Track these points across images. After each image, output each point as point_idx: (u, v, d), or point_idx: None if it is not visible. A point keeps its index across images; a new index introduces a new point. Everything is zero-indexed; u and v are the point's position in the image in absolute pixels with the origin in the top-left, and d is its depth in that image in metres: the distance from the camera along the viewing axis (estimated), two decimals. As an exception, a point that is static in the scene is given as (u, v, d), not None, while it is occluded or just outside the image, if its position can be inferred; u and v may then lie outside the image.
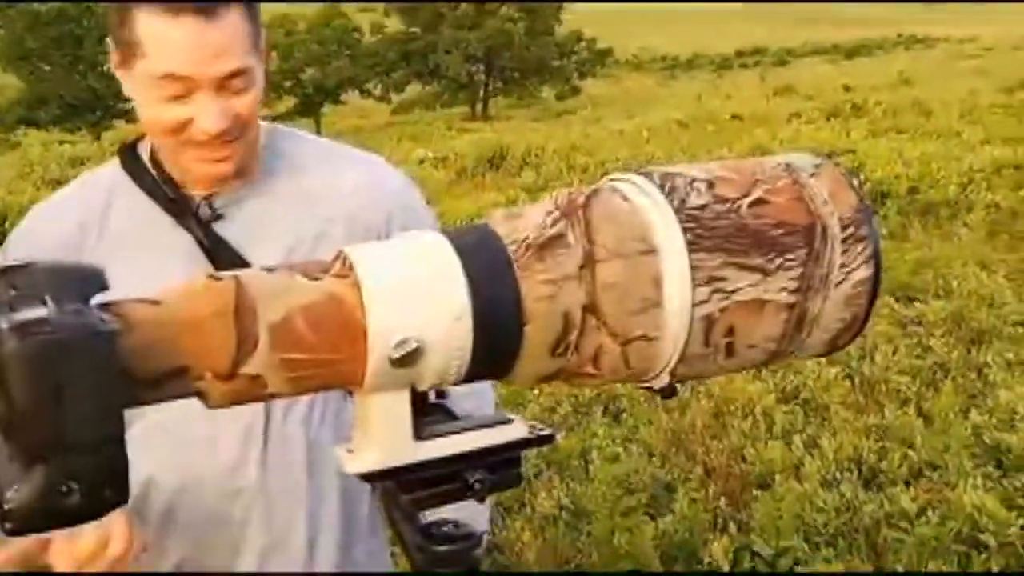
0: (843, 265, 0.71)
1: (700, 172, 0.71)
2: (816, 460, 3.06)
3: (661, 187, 0.69)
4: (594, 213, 0.67)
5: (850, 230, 0.71)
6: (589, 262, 0.65)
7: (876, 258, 0.73)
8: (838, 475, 3.00)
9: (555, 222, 0.66)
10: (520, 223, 0.67)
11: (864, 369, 3.82)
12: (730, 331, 0.68)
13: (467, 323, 0.62)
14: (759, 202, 0.69)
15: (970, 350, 3.96)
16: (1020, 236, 5.64)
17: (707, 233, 0.66)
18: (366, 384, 0.63)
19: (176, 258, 1.14)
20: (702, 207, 0.68)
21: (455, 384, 0.66)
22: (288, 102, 33.72)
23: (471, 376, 0.65)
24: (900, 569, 2.50)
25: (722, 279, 0.66)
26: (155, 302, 0.57)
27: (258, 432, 1.16)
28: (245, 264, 1.09)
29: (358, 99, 33.89)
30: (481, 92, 30.84)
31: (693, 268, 0.65)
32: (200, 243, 1.15)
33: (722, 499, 2.98)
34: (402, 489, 0.68)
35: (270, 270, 0.63)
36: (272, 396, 0.62)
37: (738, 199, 0.69)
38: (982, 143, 8.65)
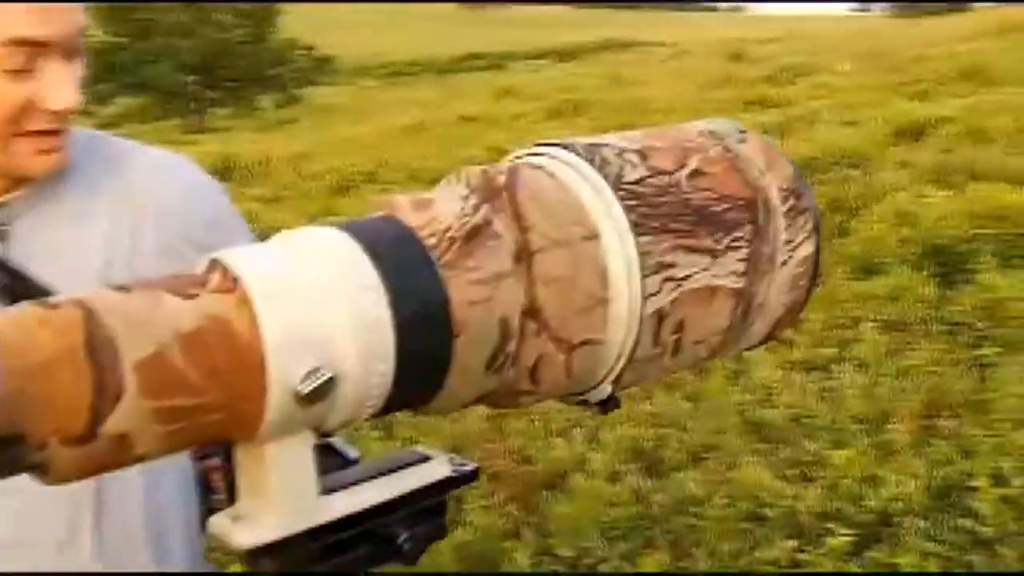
0: (787, 242, 0.63)
1: (625, 142, 0.61)
2: (599, 454, 3.09)
3: (590, 160, 0.58)
4: (521, 194, 0.55)
5: (791, 202, 0.63)
6: (524, 254, 0.53)
7: (817, 231, 0.66)
8: (621, 467, 3.04)
9: (477, 208, 0.53)
10: (434, 211, 0.53)
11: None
12: (679, 326, 0.58)
13: (388, 341, 0.48)
14: (697, 174, 0.60)
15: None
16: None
17: (651, 212, 0.57)
18: (263, 429, 0.48)
19: None
20: (640, 181, 0.58)
21: (369, 419, 0.52)
22: (-24, 119, 30.55)
23: (388, 408, 0.52)
24: (696, 552, 2.56)
25: (672, 265, 0.57)
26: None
27: (88, 496, 0.94)
28: (45, 292, 0.86)
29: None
30: (197, 103, 29.44)
31: (641, 255, 0.55)
32: None
33: (512, 504, 2.94)
34: (309, 560, 0.53)
35: (124, 289, 0.47)
36: (140, 459, 0.45)
37: (676, 171, 0.60)
38: (697, 137, 9.25)
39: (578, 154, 0.59)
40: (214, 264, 0.49)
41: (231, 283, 0.48)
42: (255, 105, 29.80)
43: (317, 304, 0.48)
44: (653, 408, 3.44)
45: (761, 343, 0.68)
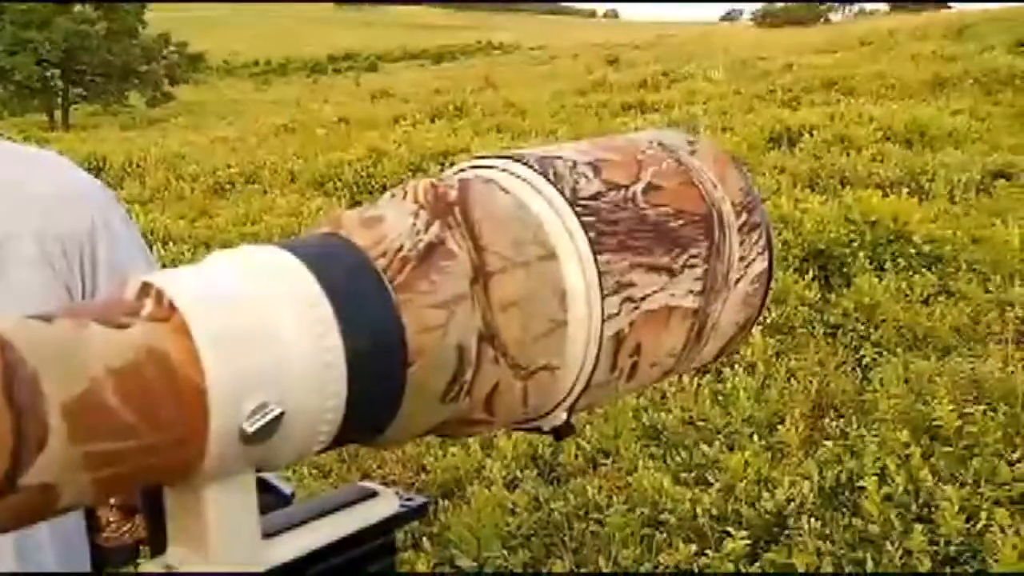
0: (741, 258, 0.60)
1: (577, 153, 0.57)
2: (496, 461, 3.06)
3: (543, 173, 0.54)
4: (475, 209, 0.50)
5: (744, 217, 0.60)
6: (481, 275, 0.49)
7: (770, 248, 0.64)
8: (519, 473, 3.02)
9: (428, 224, 0.49)
10: (386, 229, 0.49)
11: (520, 364, 3.91)
12: (637, 349, 0.55)
13: (339, 372, 0.43)
14: (652, 188, 0.57)
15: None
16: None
17: (609, 229, 0.53)
18: (203, 471, 0.42)
19: None
20: (596, 196, 0.54)
21: (317, 453, 0.47)
22: None
23: (338, 443, 0.47)
24: (599, 559, 2.55)
25: (631, 285, 0.53)
26: None
27: None
28: None
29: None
30: (60, 98, 28.12)
31: (601, 274, 0.52)
32: None
33: (410, 516, 2.87)
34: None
35: (45, 319, 0.41)
36: (65, 510, 0.40)
37: (630, 185, 0.56)
38: (574, 140, 9.34)
39: (531, 167, 0.56)
40: (146, 288, 0.43)
41: (167, 310, 0.42)
42: (124, 102, 28.67)
43: (262, 333, 0.42)
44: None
45: (712, 362, 0.66)
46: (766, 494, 2.70)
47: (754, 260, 0.62)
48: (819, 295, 4.13)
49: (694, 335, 0.60)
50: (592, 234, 0.53)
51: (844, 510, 2.68)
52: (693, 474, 2.88)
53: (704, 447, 2.98)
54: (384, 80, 29.51)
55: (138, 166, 10.09)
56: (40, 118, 26.74)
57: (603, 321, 0.53)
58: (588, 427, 3.23)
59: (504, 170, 0.56)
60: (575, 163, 0.57)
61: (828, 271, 4.39)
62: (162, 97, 28.53)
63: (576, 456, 3.07)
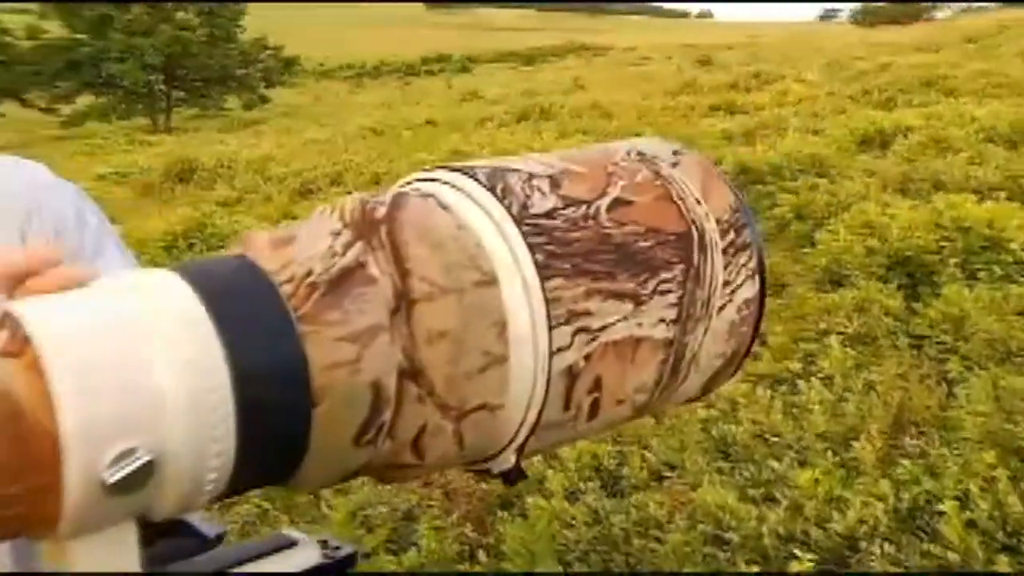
0: (726, 283, 0.53)
1: (536, 165, 0.51)
2: (559, 472, 2.99)
3: (491, 188, 0.48)
4: (404, 229, 0.45)
5: (731, 236, 0.54)
6: (404, 303, 0.44)
7: (761, 271, 0.56)
8: (581, 485, 2.94)
9: (348, 246, 0.44)
10: (295, 251, 0.43)
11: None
12: (596, 385, 0.49)
13: (227, 413, 0.39)
14: (620, 203, 0.51)
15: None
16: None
17: (562, 250, 0.47)
18: (63, 526, 0.38)
19: None
20: (551, 214, 0.48)
21: (213, 501, 0.42)
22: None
23: (235, 490, 0.42)
24: (656, 579, 2.47)
25: (586, 314, 0.47)
26: None
27: None
28: None
29: (19, 111, 30.75)
30: (162, 103, 29.05)
31: (549, 302, 0.46)
32: None
33: (467, 524, 2.83)
34: None
35: None
36: None
37: (594, 200, 0.50)
38: (661, 143, 9.19)
39: (478, 181, 0.49)
40: (3, 319, 0.38)
41: (20, 343, 0.37)
42: (222, 105, 29.46)
43: (133, 370, 0.38)
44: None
45: (698, 397, 0.59)
46: (837, 514, 2.57)
47: (742, 285, 0.55)
48: (904, 304, 3.95)
49: (669, 369, 0.53)
50: (540, 256, 0.47)
51: (921, 535, 2.54)
52: (760, 490, 2.76)
53: (773, 462, 2.87)
54: (475, 82, 29.67)
55: (228, 168, 10.33)
56: (144, 122, 27.66)
57: (551, 355, 0.46)
58: (654, 438, 3.14)
59: (448, 184, 0.51)
60: (531, 176, 0.51)
61: (915, 279, 4.19)
62: (258, 100, 29.24)
63: (641, 468, 2.98)
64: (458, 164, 0.52)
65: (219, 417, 0.38)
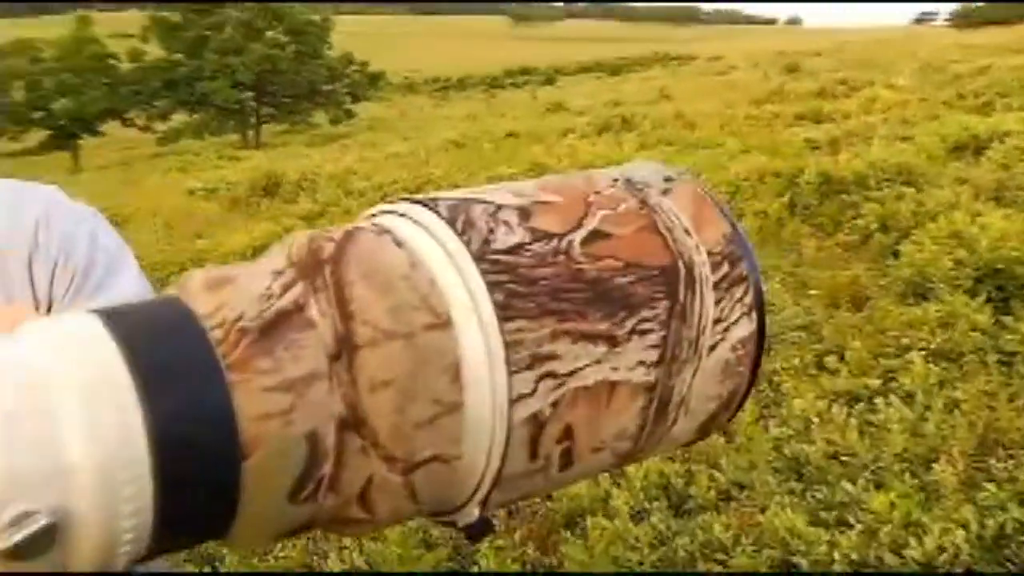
0: (718, 320, 0.49)
1: (508, 196, 0.47)
2: (624, 491, 2.92)
3: (451, 221, 0.45)
4: (350, 269, 0.42)
5: (724, 269, 0.49)
6: (346, 349, 0.40)
7: (760, 306, 0.51)
8: (647, 504, 2.87)
9: (286, 288, 0.41)
10: (231, 294, 0.40)
11: (660, 387, 3.74)
12: (567, 433, 0.45)
13: (142, 470, 0.36)
14: (597, 236, 0.47)
15: (758, 358, 3.97)
16: (788, 242, 5.83)
17: (526, 289, 0.43)
18: None
19: None
20: (515, 249, 0.44)
21: (141, 560, 0.39)
22: (38, 135, 31.41)
23: (160, 548, 0.39)
24: (720, 605, 2.38)
25: (552, 357, 0.43)
26: None
27: None
28: None
29: (119, 130, 31.96)
30: (252, 119, 29.84)
31: (508, 346, 0.42)
32: None
33: (529, 544, 2.78)
34: None
35: None
36: None
37: (567, 233, 0.46)
38: (743, 152, 9.04)
39: (438, 214, 0.45)
40: None
41: None
42: (309, 121, 30.16)
43: (34, 425, 0.35)
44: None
45: (691, 442, 0.54)
46: (914, 541, 2.45)
47: (736, 322, 0.50)
48: (993, 319, 3.76)
49: (652, 414, 0.48)
50: (500, 296, 0.43)
51: (1007, 565, 2.40)
52: (833, 514, 2.65)
53: (847, 484, 2.74)
54: (560, 94, 29.70)
55: (312, 182, 10.50)
56: (235, 138, 28.44)
57: (511, 402, 0.42)
58: (724, 457, 3.04)
59: (407, 217, 0.47)
60: (499, 208, 0.47)
61: (1005, 293, 3.99)
62: (344, 115, 29.81)
63: (708, 488, 2.89)
64: (424, 196, 0.48)
65: (131, 476, 0.36)
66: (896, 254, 4.84)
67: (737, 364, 0.51)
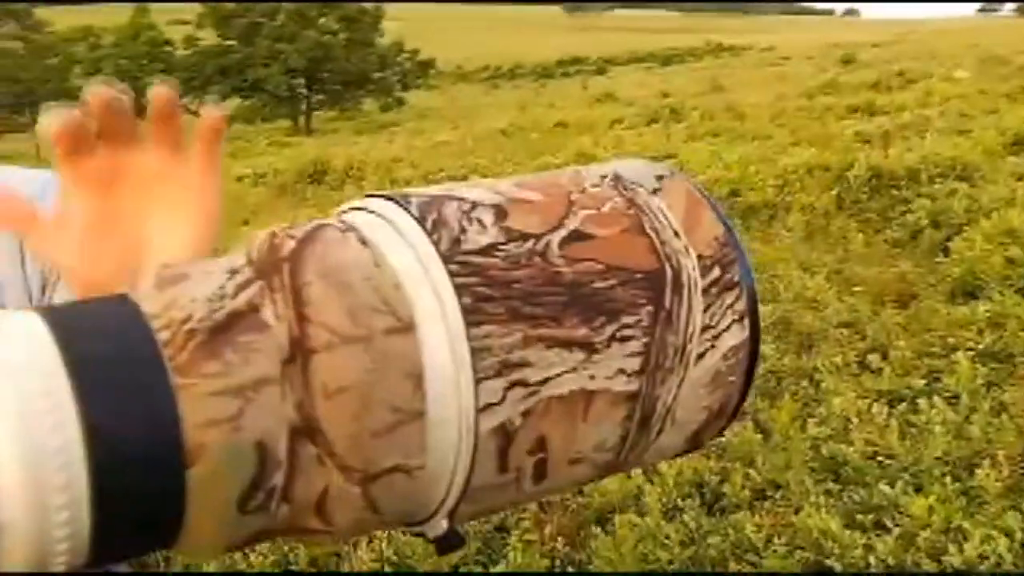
0: (707, 328, 0.46)
1: (485, 193, 0.45)
2: (657, 488, 2.88)
3: (421, 219, 0.42)
4: (308, 269, 0.39)
5: (715, 273, 0.47)
6: (300, 353, 0.38)
7: (753, 313, 0.48)
8: (680, 502, 2.82)
9: (241, 288, 0.39)
10: (181, 293, 0.38)
11: (698, 382, 3.69)
12: (540, 444, 0.42)
13: (77, 477, 0.34)
14: (577, 237, 0.44)
15: (800, 354, 3.91)
16: (836, 237, 5.73)
17: (497, 292, 0.41)
18: None
19: None
20: (488, 249, 0.42)
21: (81, 570, 0.37)
22: (96, 120, 31.92)
23: (101, 558, 0.37)
24: (750, 607, 2.33)
25: (523, 365, 0.41)
26: None
27: None
28: None
29: (173, 115, 32.33)
30: (304, 106, 30.09)
31: (475, 352, 0.40)
32: None
33: (559, 539, 2.76)
34: None
35: None
36: None
37: (545, 234, 0.44)
38: (792, 145, 8.90)
39: (408, 211, 0.43)
40: None
41: None
42: (359, 108, 30.35)
43: None
44: (720, 438, 3.21)
45: (681, 453, 0.51)
46: (953, 547, 2.38)
47: (727, 329, 0.47)
48: (1045, 320, 3.65)
49: (635, 425, 0.46)
50: (468, 299, 0.40)
51: (1050, 574, 2.32)
52: (870, 516, 2.59)
53: (885, 487, 2.68)
54: (610, 84, 29.55)
55: (358, 170, 10.54)
56: (286, 124, 28.72)
57: (477, 412, 0.40)
58: (760, 455, 2.99)
59: (375, 213, 0.45)
60: (474, 205, 0.44)
61: (1059, 293, 3.88)
62: (394, 102, 29.94)
63: (742, 487, 2.84)
64: (397, 191, 0.46)
65: (62, 482, 0.34)
66: (946, 251, 4.73)
67: (728, 373, 0.48)
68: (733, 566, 2.46)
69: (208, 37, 31.77)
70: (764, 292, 4.67)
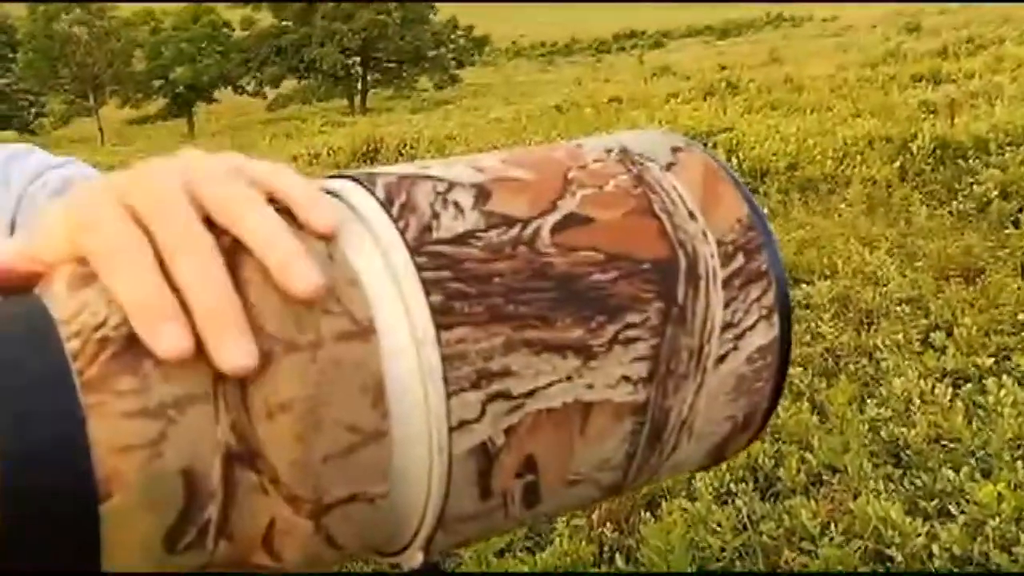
0: (728, 326, 0.39)
1: (466, 171, 0.37)
2: (709, 471, 2.79)
3: (386, 203, 0.35)
4: (245, 263, 0.32)
5: (738, 261, 0.39)
6: None
7: (783, 308, 0.40)
8: (732, 487, 2.73)
9: None
10: (95, 294, 0.31)
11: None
12: (529, 465, 0.36)
13: None
14: (574, 221, 0.37)
15: (859, 332, 3.77)
16: (898, 210, 5.54)
17: (473, 289, 0.34)
18: None
19: None
20: (464, 238, 0.35)
21: None
22: (158, 103, 32.58)
23: None
24: (804, 598, 2.24)
25: (505, 374, 0.34)
26: None
27: None
28: None
29: (232, 96, 32.86)
30: (359, 85, 30.26)
31: (447, 359, 0.33)
32: None
33: (607, 524, 2.68)
34: None
35: None
36: None
37: (534, 218, 0.36)
38: (853, 116, 8.66)
39: (372, 193, 0.36)
40: None
41: None
42: (415, 86, 30.43)
43: None
44: (775, 419, 3.10)
45: (706, 467, 0.44)
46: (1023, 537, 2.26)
47: (753, 327, 0.40)
48: (1122, 295, 3.47)
49: (644, 440, 0.38)
50: (438, 297, 0.33)
51: None
52: (933, 503, 2.47)
53: (950, 472, 2.56)
54: (667, 57, 29.20)
55: (411, 148, 10.53)
56: (342, 103, 28.91)
57: (451, 430, 0.33)
58: (817, 438, 2.88)
59: (336, 195, 0.37)
60: (451, 186, 0.37)
61: None
62: (449, 80, 29.95)
63: (798, 472, 2.74)
64: (364, 171, 0.38)
65: None
66: (1016, 223, 4.54)
67: (754, 379, 0.41)
68: (787, 554, 2.37)
69: (264, 18, 32.07)
70: (823, 268, 4.53)
